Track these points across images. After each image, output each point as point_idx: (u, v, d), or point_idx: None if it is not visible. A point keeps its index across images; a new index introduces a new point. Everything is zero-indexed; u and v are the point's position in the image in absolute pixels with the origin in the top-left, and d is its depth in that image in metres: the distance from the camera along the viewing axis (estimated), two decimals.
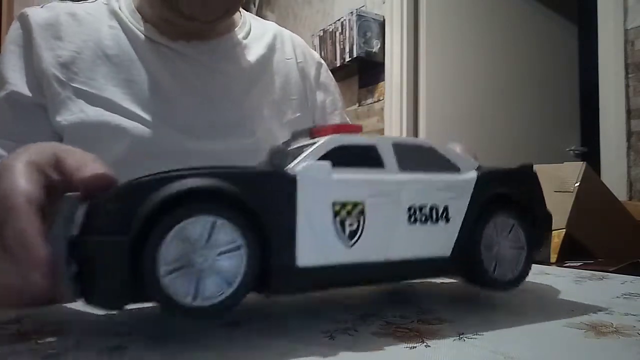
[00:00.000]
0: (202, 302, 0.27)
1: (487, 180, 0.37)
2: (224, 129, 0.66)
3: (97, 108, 0.61)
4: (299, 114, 0.76)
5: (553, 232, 0.97)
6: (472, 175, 0.37)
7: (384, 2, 2.54)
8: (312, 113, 0.80)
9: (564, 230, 1.01)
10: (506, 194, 0.38)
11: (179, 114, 0.64)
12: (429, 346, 0.29)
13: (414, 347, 0.29)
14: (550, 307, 0.39)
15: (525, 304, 0.39)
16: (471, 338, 0.30)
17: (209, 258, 0.27)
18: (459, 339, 0.30)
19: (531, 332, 0.32)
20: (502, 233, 0.38)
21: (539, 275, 0.57)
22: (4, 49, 0.65)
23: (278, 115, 0.73)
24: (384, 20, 2.54)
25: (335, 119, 0.82)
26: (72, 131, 0.61)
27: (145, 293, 0.26)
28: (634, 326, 0.33)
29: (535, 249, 0.40)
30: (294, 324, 0.34)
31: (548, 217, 0.42)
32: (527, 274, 0.39)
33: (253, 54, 0.74)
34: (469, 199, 0.36)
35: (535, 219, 0.39)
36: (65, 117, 0.61)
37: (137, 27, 0.67)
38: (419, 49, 2.39)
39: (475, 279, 0.37)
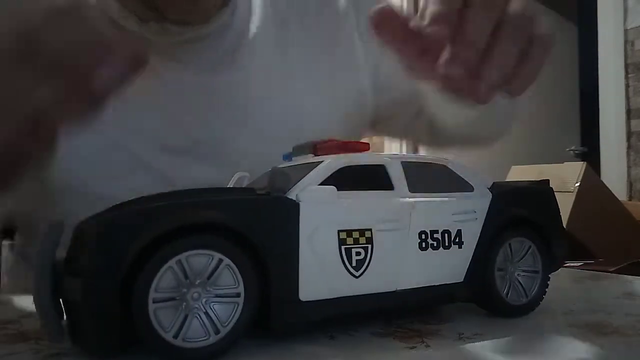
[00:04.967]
0: (182, 342, 0.25)
1: (503, 201, 0.35)
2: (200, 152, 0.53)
3: None
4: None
5: None
6: (487, 195, 0.35)
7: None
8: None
9: None
10: (523, 217, 0.35)
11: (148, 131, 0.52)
12: (429, 346, 0.29)
13: (414, 347, 0.29)
14: (550, 307, 0.39)
15: None
16: (471, 338, 0.30)
17: (203, 297, 0.25)
18: (459, 339, 0.30)
19: (531, 332, 0.32)
20: (516, 256, 0.36)
21: None
22: None
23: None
24: None
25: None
26: None
27: (134, 331, 0.24)
28: (634, 326, 0.33)
29: (551, 272, 0.37)
30: None
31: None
32: (542, 299, 0.36)
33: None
34: (483, 221, 0.34)
35: (552, 240, 0.37)
36: None
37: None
38: None
39: (489, 306, 0.36)
